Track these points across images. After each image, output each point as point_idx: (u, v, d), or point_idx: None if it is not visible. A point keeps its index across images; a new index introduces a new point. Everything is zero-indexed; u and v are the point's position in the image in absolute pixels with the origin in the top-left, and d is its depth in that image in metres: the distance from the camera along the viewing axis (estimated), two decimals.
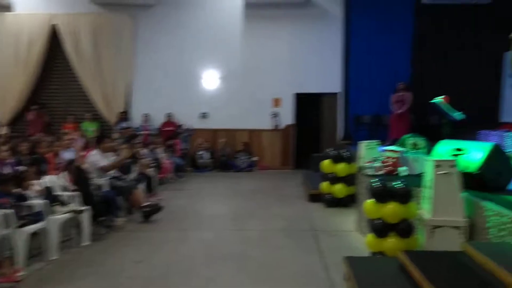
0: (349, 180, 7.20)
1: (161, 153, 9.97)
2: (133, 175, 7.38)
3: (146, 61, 11.97)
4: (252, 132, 12.06)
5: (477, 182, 4.24)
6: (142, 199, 6.66)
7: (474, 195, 3.91)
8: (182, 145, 11.36)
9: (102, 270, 4.52)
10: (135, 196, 6.54)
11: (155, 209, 6.48)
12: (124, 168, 7.16)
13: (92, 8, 11.84)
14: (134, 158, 7.95)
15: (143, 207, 6.42)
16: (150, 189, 7.88)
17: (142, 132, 11.33)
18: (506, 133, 8.78)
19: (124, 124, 11.48)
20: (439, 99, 7.04)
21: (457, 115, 6.71)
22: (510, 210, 3.34)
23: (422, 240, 3.93)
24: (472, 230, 3.76)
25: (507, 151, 7.03)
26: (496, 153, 4.31)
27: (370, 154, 6.40)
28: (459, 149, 4.61)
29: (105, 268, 4.57)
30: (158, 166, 9.30)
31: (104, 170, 6.52)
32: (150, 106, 11.87)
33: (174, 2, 11.90)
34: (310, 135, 13.19)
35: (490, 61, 11.08)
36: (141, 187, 7.30)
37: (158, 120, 11.89)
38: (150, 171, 8.26)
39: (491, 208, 3.53)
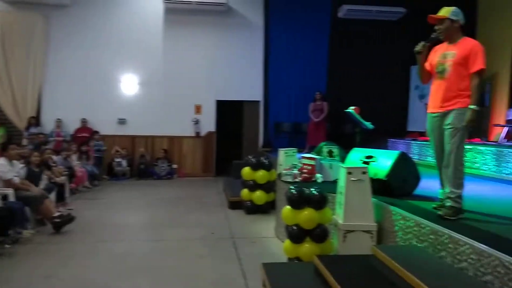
0: (268, 187, 7.33)
1: (74, 161, 9.50)
2: (43, 183, 6.95)
3: (59, 64, 11.36)
4: (172, 139, 11.88)
5: (385, 188, 4.49)
6: (53, 209, 6.29)
7: (383, 201, 4.14)
8: (98, 152, 10.87)
9: (7, 286, 4.19)
10: (45, 206, 6.15)
11: (67, 219, 6.14)
12: (33, 177, 6.73)
13: (0, 6, 11.04)
14: (45, 165, 7.49)
15: (54, 217, 6.07)
16: (61, 199, 7.47)
17: (54, 138, 10.74)
18: (412, 141, 9.44)
19: (34, 130, 10.80)
20: (351, 109, 7.38)
21: (368, 124, 7.07)
22: (414, 214, 3.56)
23: (336, 244, 4.08)
24: (382, 234, 3.97)
25: (413, 158, 7.53)
26: (402, 160, 4.60)
27: (289, 161, 6.58)
28: (370, 157, 4.86)
29: (11, 284, 4.23)
30: (71, 174, 8.85)
31: (10, 185, 6.08)
32: (63, 111, 11.26)
33: (92, 3, 11.43)
34: (232, 141, 13.27)
35: (399, 73, 11.86)
36: (52, 196, 6.90)
37: (72, 125, 11.34)
38: (62, 180, 7.83)
39: (398, 213, 3.75)
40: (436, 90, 3.89)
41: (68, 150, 9.56)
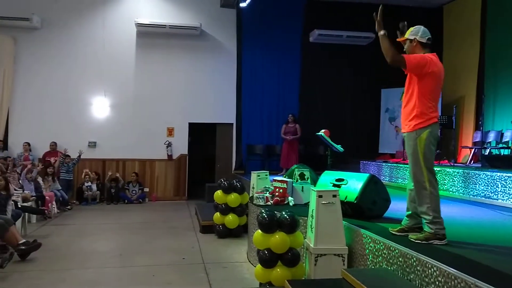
0: (240, 210, 7.28)
1: (43, 185, 9.24)
2: (9, 209, 6.72)
3: (28, 86, 11.14)
4: (144, 162, 11.73)
5: (355, 211, 4.52)
6: (19, 236, 6.07)
7: (354, 223, 4.15)
8: (67, 176, 10.60)
9: None
10: (11, 233, 5.94)
11: (33, 246, 5.93)
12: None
13: None
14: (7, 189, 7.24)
15: (19, 244, 5.85)
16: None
17: (22, 163, 10.45)
18: (384, 163, 9.57)
19: (1, 154, 10.50)
20: (321, 132, 7.45)
21: (339, 147, 7.14)
22: (384, 237, 3.58)
23: (307, 268, 4.06)
24: (352, 257, 3.98)
25: (384, 180, 7.62)
26: (372, 183, 4.65)
27: (261, 184, 6.56)
28: (340, 180, 4.89)
29: None
30: (39, 199, 8.62)
31: None
32: (32, 135, 10.98)
33: (62, 26, 11.31)
34: (205, 164, 13.20)
35: (369, 96, 12.11)
36: (18, 222, 6.68)
37: (41, 149, 11.07)
38: (29, 205, 7.60)
39: (368, 236, 3.76)
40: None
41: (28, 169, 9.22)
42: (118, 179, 11.21)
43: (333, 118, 11.78)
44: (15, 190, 7.88)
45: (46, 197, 8.96)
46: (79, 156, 10.75)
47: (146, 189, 11.60)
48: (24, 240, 5.99)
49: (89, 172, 11.09)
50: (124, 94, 11.61)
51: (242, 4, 10.65)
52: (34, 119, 11.16)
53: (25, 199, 7.87)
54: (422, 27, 3.76)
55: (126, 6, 11.61)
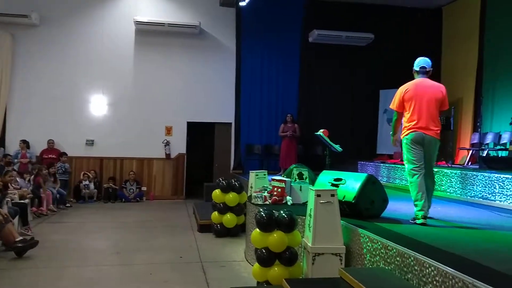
0: (238, 209, 7.28)
1: (40, 183, 9.22)
2: (5, 207, 6.70)
3: (25, 83, 11.12)
4: (142, 160, 11.71)
5: (353, 211, 4.52)
6: (15, 233, 6.05)
7: (352, 223, 4.15)
8: (64, 176, 10.56)
9: None
10: (8, 230, 5.92)
11: (30, 244, 5.92)
12: None
13: None
14: (6, 188, 7.24)
15: (16, 242, 5.84)
16: (25, 222, 7.22)
17: (19, 160, 10.43)
18: (381, 164, 9.58)
19: None
20: (320, 132, 7.45)
21: (337, 147, 7.14)
22: (381, 237, 3.58)
23: (305, 267, 4.06)
24: (350, 256, 3.98)
25: (382, 181, 7.63)
26: (370, 183, 4.65)
27: (260, 183, 6.57)
28: (338, 179, 4.90)
29: None
30: (37, 196, 8.60)
31: None
32: (29, 132, 10.96)
33: (61, 23, 11.29)
34: (203, 163, 13.17)
35: (368, 97, 12.11)
36: (14, 220, 6.66)
37: (38, 147, 11.04)
38: (26, 203, 7.58)
39: (366, 235, 3.76)
40: None
41: (33, 171, 9.29)
42: (114, 183, 11.21)
43: (332, 118, 11.78)
44: (12, 187, 7.87)
45: (42, 195, 8.95)
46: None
47: (144, 188, 11.60)
48: (21, 238, 5.99)
49: (87, 173, 11.08)
50: (122, 92, 11.60)
51: (242, 3, 10.64)
52: (31, 116, 11.13)
53: (21, 197, 7.84)
54: (418, 59, 4.79)
55: (125, 3, 11.60)
